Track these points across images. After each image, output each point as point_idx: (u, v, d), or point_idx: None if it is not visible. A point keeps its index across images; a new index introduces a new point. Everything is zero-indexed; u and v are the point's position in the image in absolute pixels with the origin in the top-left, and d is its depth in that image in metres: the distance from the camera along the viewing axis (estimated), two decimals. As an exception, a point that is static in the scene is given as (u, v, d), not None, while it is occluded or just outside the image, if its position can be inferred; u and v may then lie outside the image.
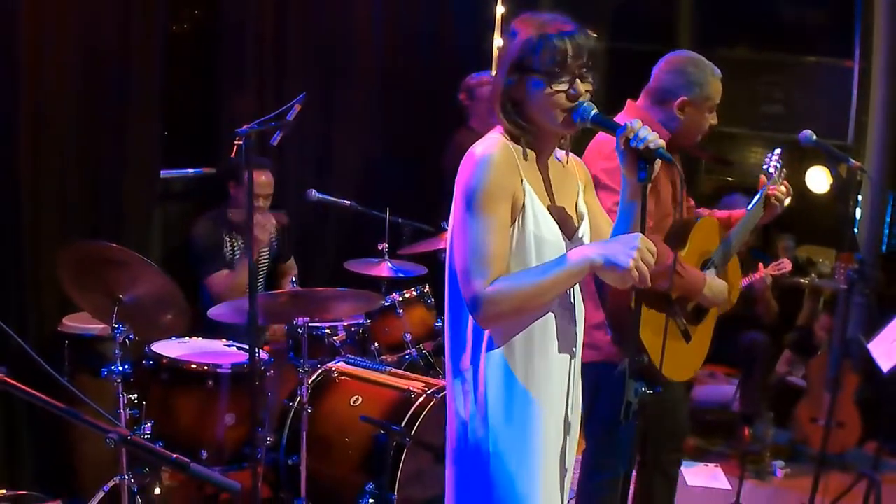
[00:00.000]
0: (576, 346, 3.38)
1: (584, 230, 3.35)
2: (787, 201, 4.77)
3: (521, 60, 3.10)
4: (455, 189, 3.13)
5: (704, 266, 4.70)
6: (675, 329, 4.58)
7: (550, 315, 3.23)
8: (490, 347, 3.19)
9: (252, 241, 4.87)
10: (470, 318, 3.18)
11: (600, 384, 4.14)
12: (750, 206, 4.79)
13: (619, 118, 3.19)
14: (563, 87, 3.07)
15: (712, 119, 4.61)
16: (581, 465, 4.80)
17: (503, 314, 3.04)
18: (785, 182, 4.85)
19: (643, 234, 3.03)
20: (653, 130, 2.97)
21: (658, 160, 2.99)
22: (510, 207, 3.09)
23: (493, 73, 3.15)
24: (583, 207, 3.41)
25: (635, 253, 2.91)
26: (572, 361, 3.36)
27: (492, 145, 3.10)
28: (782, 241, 8.39)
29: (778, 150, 4.96)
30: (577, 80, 3.09)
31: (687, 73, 4.51)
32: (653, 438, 4.79)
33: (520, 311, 3.07)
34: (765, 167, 4.88)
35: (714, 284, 4.55)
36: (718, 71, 4.54)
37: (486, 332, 3.18)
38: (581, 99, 3.09)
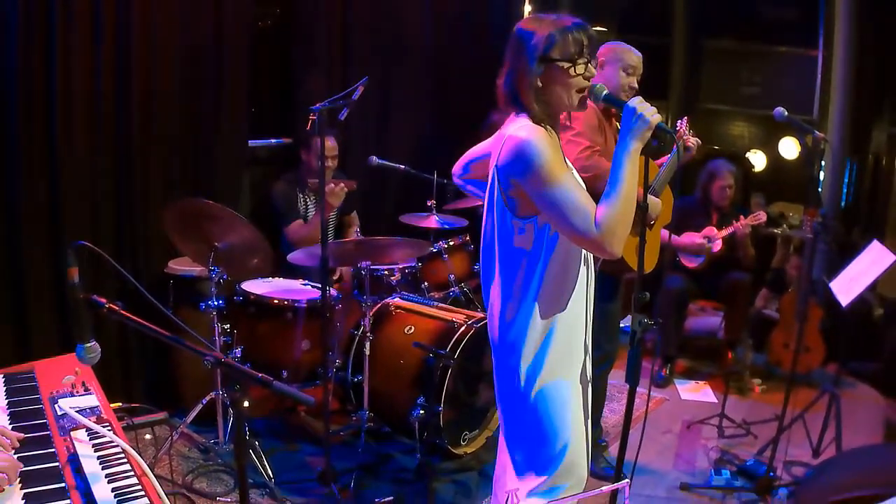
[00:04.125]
0: (591, 285, 3.37)
1: None
2: (695, 149, 5.15)
3: (547, 52, 3.03)
4: (515, 173, 3.03)
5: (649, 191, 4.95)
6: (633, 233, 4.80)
7: (575, 266, 3.21)
8: (535, 295, 3.16)
9: (325, 200, 4.81)
10: (519, 272, 3.17)
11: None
12: (671, 153, 5.03)
13: None
14: (582, 69, 3.05)
15: (632, 82, 4.87)
16: None
17: (618, 229, 2.94)
18: (692, 135, 5.18)
19: (646, 195, 3.11)
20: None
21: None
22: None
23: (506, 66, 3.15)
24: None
25: (645, 117, 2.96)
26: (587, 298, 3.34)
27: (531, 129, 3.02)
28: (756, 198, 8.39)
29: (685, 118, 5.27)
30: (589, 64, 3.08)
31: (609, 46, 4.90)
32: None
33: (626, 217, 2.97)
34: (678, 127, 5.20)
35: (652, 202, 4.90)
36: (638, 52, 4.90)
37: (533, 285, 3.16)
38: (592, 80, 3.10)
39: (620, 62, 4.81)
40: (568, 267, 3.17)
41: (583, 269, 3.26)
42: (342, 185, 5.87)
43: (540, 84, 3.06)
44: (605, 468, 5.26)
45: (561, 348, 3.22)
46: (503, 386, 3.37)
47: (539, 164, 2.93)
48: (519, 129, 3.03)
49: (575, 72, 3.04)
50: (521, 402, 3.29)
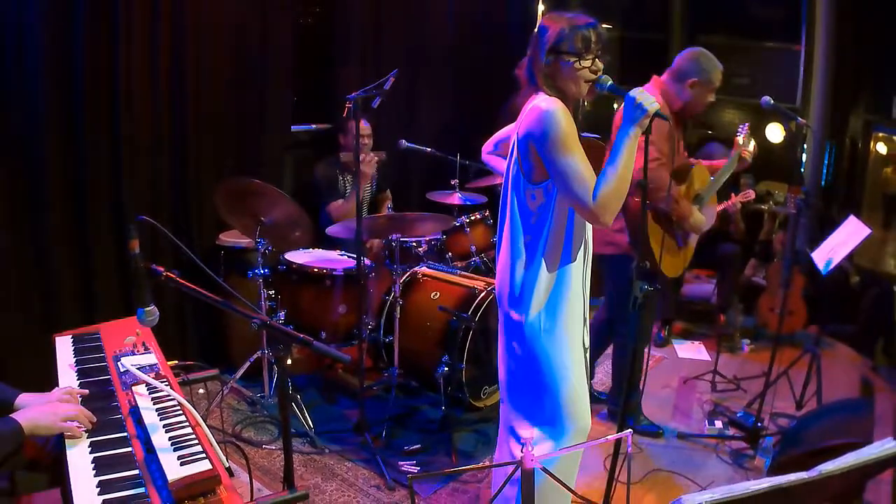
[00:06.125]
0: (588, 257, 3.35)
1: None
2: (751, 158, 4.90)
3: (557, 45, 3.06)
4: (533, 138, 3.05)
5: (696, 200, 4.88)
6: (670, 240, 4.82)
7: (580, 230, 3.21)
8: (542, 251, 3.17)
9: (360, 176, 4.79)
10: (528, 231, 3.19)
11: (619, 270, 4.14)
12: (729, 160, 4.87)
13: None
14: (588, 63, 3.06)
15: (712, 97, 4.70)
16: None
17: (611, 203, 2.96)
18: (753, 145, 4.93)
19: (646, 174, 3.17)
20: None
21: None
22: None
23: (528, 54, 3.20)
24: None
25: (644, 106, 2.97)
26: (585, 268, 3.32)
27: (553, 102, 3.03)
28: (744, 178, 8.32)
29: (747, 124, 4.97)
30: (597, 59, 3.09)
31: (700, 62, 4.62)
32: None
33: (619, 193, 2.98)
34: (738, 135, 4.90)
35: (696, 217, 4.81)
36: (720, 65, 4.64)
37: (541, 242, 3.16)
38: (599, 73, 3.10)
39: (711, 84, 4.64)
40: (571, 227, 3.17)
41: (582, 238, 3.26)
42: (372, 155, 5.89)
43: (549, 72, 3.10)
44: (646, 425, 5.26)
45: (563, 307, 3.21)
46: (508, 339, 3.37)
47: (555, 132, 2.95)
48: (542, 100, 3.04)
49: (580, 65, 3.05)
50: (524, 356, 3.29)
